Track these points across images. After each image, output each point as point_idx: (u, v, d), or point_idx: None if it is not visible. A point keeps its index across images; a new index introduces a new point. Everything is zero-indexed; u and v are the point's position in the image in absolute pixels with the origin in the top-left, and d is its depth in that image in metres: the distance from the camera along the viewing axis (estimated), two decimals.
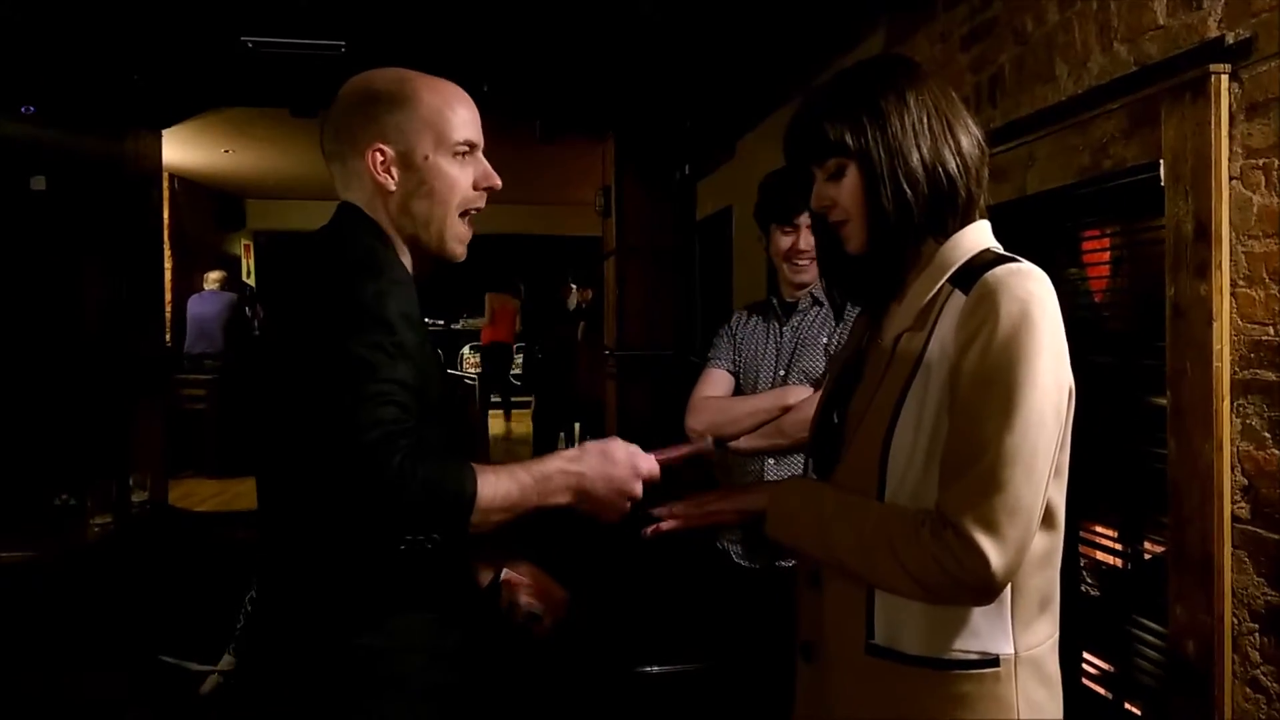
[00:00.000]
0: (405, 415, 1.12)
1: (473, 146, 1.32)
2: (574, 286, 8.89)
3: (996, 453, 1.04)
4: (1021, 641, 1.12)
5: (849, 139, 1.18)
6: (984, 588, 1.06)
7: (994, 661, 1.11)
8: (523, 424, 10.59)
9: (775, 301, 2.35)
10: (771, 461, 2.22)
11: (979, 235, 1.20)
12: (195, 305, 8.14)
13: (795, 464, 2.20)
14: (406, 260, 1.32)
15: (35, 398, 5.42)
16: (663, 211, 6.77)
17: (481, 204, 1.34)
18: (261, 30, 4.29)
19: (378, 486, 1.07)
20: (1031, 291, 1.08)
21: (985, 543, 1.02)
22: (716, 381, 2.34)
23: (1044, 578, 1.15)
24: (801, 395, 2.18)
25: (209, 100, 6.05)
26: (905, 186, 1.16)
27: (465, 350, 12.49)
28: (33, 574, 4.78)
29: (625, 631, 3.78)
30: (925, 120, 1.17)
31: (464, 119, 1.31)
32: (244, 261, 11.05)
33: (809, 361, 2.24)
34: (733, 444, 2.23)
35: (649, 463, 1.26)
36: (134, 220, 6.17)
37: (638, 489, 1.25)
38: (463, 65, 4.76)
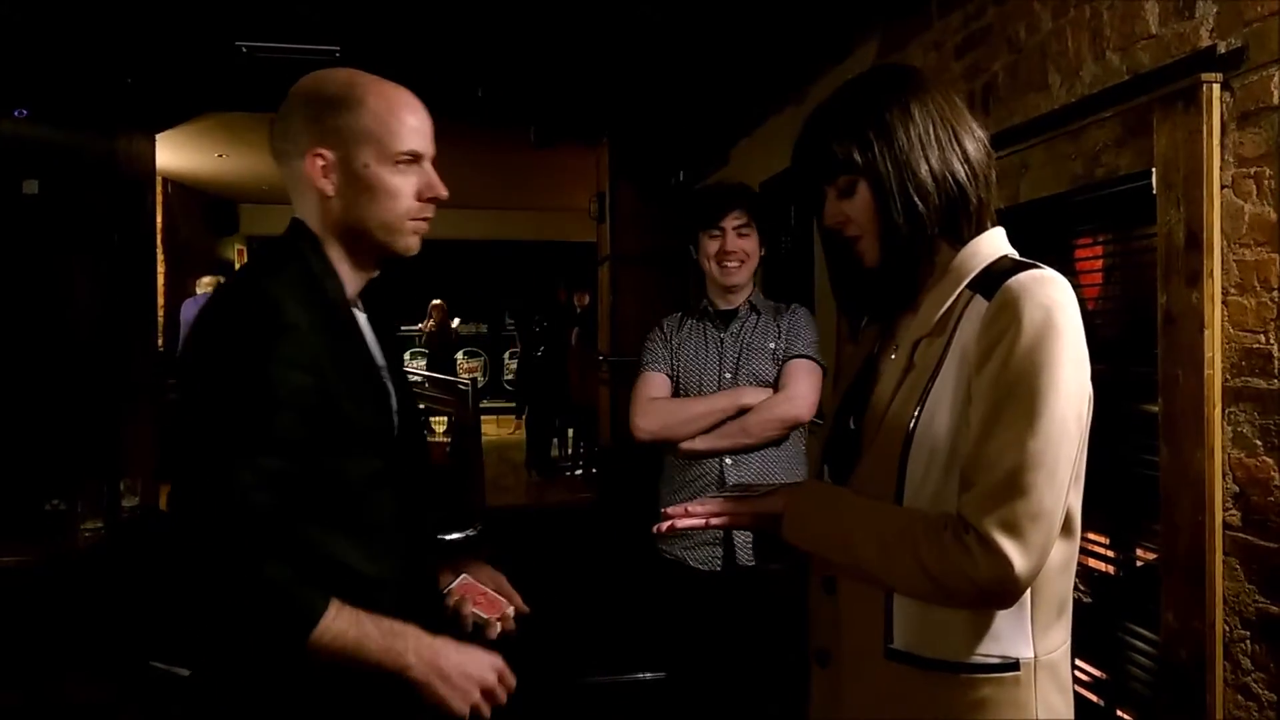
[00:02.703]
0: (277, 501, 1.15)
1: (417, 156, 1.29)
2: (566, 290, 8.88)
3: (1020, 458, 1.04)
4: (1040, 645, 1.13)
5: (856, 156, 1.17)
6: (1005, 591, 1.06)
7: (1014, 665, 1.11)
8: (515, 429, 10.58)
9: (710, 308, 2.39)
10: (729, 461, 2.25)
11: (995, 242, 1.20)
12: (188, 310, 8.12)
13: (752, 464, 2.24)
14: (345, 270, 1.30)
15: (25, 402, 5.39)
16: (657, 217, 6.77)
17: (428, 214, 1.32)
18: (256, 35, 4.29)
19: (224, 573, 1.13)
20: (1055, 298, 1.08)
21: (1008, 546, 1.03)
22: (657, 384, 2.36)
23: (1062, 583, 1.15)
24: (760, 395, 2.24)
25: (203, 104, 6.05)
26: (916, 199, 1.16)
27: (459, 355, 12.49)
28: (23, 579, 4.75)
29: (579, 641, 3.76)
30: (931, 130, 1.17)
31: (411, 128, 1.28)
32: (237, 266, 11.04)
33: (757, 365, 2.29)
34: (686, 445, 2.26)
35: (502, 665, 1.27)
36: (127, 224, 6.14)
37: (492, 679, 1.25)
38: (458, 70, 4.77)
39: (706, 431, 2.24)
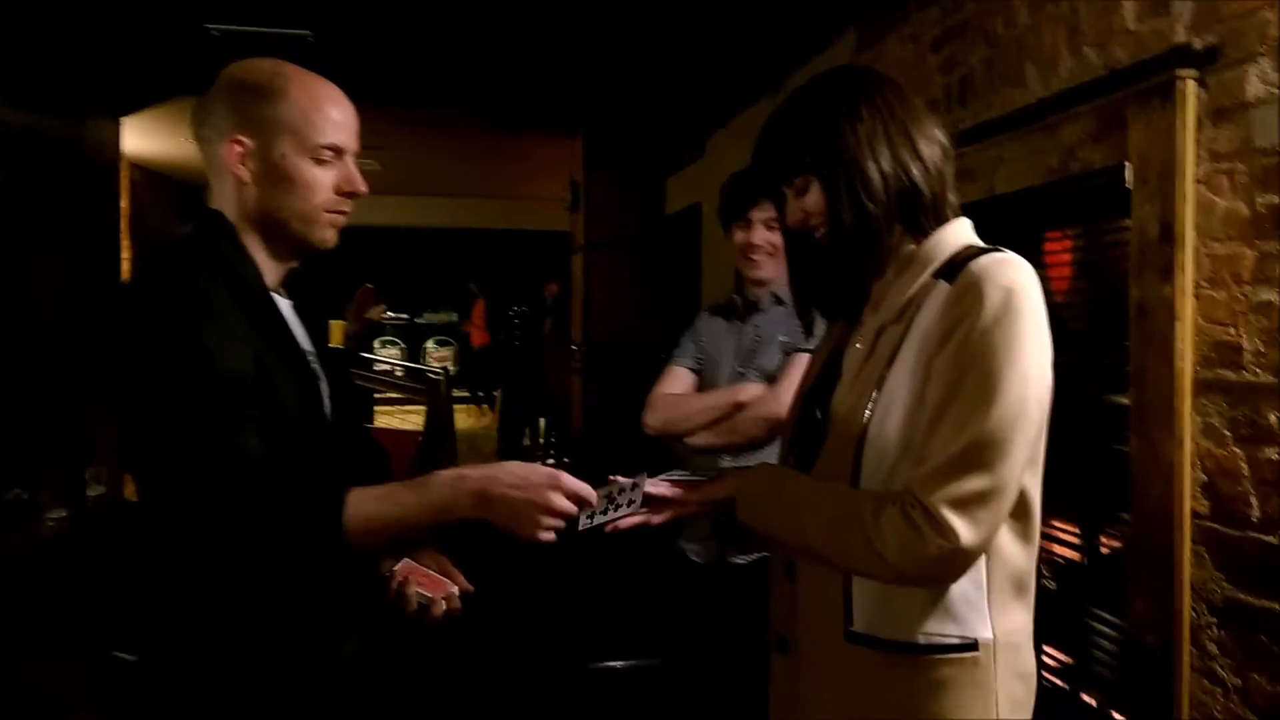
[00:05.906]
0: (258, 442, 1.14)
1: (338, 151, 1.29)
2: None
3: (972, 435, 1.05)
4: (1000, 626, 1.14)
5: (807, 156, 1.21)
6: (951, 566, 1.08)
7: (973, 645, 1.13)
8: (488, 418, 10.54)
9: (738, 299, 2.37)
10: (728, 459, 2.23)
11: (960, 231, 1.22)
12: None
13: (752, 461, 2.21)
14: (263, 258, 1.30)
15: None
16: (631, 207, 6.77)
17: (346, 208, 1.32)
18: (227, 17, 4.22)
19: (236, 508, 1.10)
20: (1016, 280, 1.10)
21: (955, 520, 1.04)
22: (677, 378, 2.35)
23: (1019, 563, 1.16)
24: (753, 393, 2.19)
25: (171, 88, 5.93)
26: (864, 198, 1.18)
27: (429, 344, 12.42)
28: None
29: (581, 628, 3.78)
30: (880, 128, 1.19)
31: (333, 122, 1.28)
32: None
33: (767, 358, 2.25)
34: (689, 440, 2.25)
35: (571, 479, 1.20)
36: (91, 210, 6.03)
37: (558, 501, 1.17)
38: (430, 56, 4.72)
39: (709, 427, 2.22)
